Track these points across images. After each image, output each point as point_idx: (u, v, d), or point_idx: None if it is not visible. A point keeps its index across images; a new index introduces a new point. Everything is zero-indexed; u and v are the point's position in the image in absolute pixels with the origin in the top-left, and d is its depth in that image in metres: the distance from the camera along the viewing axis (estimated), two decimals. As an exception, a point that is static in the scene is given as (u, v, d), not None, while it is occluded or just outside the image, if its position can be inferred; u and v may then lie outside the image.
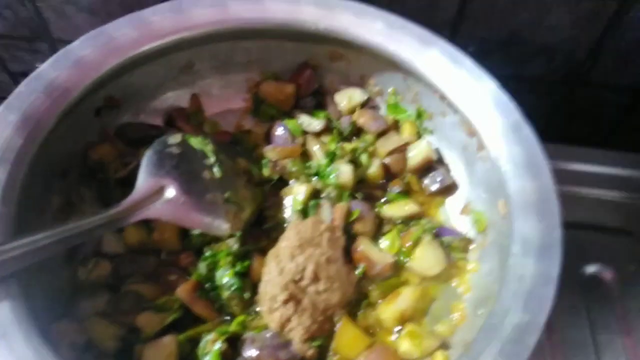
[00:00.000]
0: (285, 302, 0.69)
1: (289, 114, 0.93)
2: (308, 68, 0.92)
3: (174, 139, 0.77)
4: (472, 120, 0.76)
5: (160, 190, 0.70)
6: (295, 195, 0.81)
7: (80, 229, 0.62)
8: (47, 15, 1.05)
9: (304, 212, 0.81)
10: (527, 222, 0.62)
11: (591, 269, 0.92)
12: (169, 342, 0.64)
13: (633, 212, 0.99)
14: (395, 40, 0.80)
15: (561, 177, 1.01)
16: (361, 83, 0.92)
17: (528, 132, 0.70)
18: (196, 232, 0.77)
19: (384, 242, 0.81)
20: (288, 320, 0.69)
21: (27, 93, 0.69)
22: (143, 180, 0.70)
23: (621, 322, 0.86)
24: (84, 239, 0.63)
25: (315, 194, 0.82)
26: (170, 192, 0.70)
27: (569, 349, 0.83)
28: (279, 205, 0.83)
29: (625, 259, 0.93)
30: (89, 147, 0.81)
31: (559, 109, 1.16)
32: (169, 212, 0.70)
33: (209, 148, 0.79)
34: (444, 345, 0.72)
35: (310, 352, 0.67)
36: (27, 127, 0.67)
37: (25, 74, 0.72)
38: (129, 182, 0.79)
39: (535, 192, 0.64)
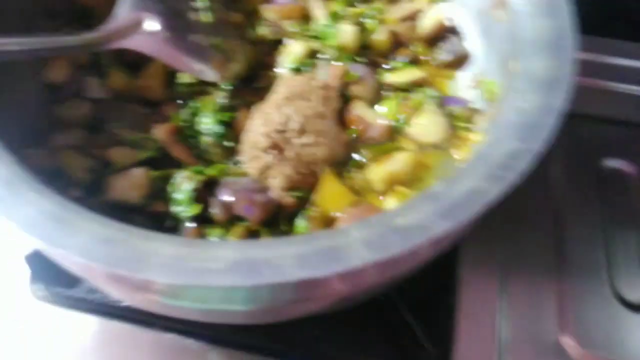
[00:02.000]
0: (267, 149, 0.65)
1: (294, -23, 0.86)
2: None
3: None
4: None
5: (139, 22, 0.65)
6: (290, 52, 0.76)
7: (51, 43, 0.58)
8: None
9: (298, 70, 0.75)
10: (535, 59, 0.55)
11: (612, 163, 0.84)
12: (138, 173, 0.61)
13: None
14: None
15: (590, 70, 0.93)
16: (373, -55, 0.84)
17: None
18: (182, 80, 0.73)
19: (382, 109, 0.75)
20: (268, 167, 0.65)
21: None
22: (122, 10, 0.65)
23: (637, 218, 0.79)
24: (53, 54, 0.59)
25: (313, 55, 0.76)
26: (150, 24, 0.65)
27: (579, 240, 0.77)
28: (273, 66, 0.78)
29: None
30: (79, -8, 0.77)
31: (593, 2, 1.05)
32: (148, 45, 0.65)
33: None
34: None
35: (288, 199, 0.63)
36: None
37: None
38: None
39: (551, 30, 0.56)
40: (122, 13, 0.65)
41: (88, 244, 0.41)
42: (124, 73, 0.73)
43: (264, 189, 0.64)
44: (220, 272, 0.39)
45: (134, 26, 0.64)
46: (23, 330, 0.69)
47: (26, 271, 0.72)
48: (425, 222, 0.42)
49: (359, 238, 0.41)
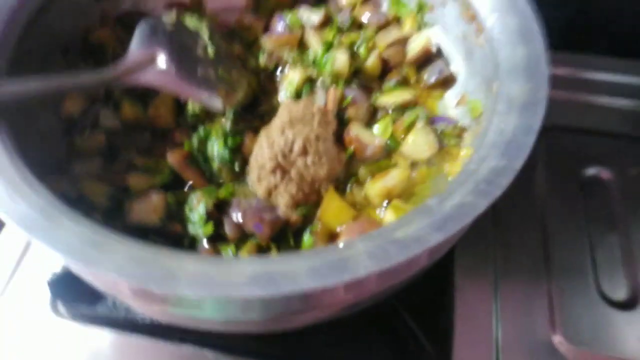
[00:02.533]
0: (273, 170, 0.70)
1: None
2: (309, -38, 0.91)
3: (169, 17, 0.78)
4: (470, 1, 0.74)
5: (152, 59, 0.71)
6: (289, 80, 0.82)
7: (71, 81, 0.64)
8: None
9: (298, 96, 0.81)
10: (514, 84, 0.61)
11: (591, 171, 0.90)
12: (156, 196, 0.66)
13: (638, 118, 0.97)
14: None
15: (569, 85, 1.00)
16: (363, -23, 0.91)
17: (522, 3, 0.68)
18: (191, 109, 0.78)
19: (376, 128, 0.80)
20: (275, 187, 0.70)
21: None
22: (135, 48, 0.71)
23: (617, 222, 0.85)
24: (73, 90, 0.64)
25: (310, 82, 0.82)
26: (162, 61, 0.71)
27: (564, 244, 0.83)
28: (274, 92, 0.83)
29: (629, 162, 0.91)
30: (89, 30, 0.83)
31: (570, 20, 1.12)
32: (160, 79, 0.71)
33: (204, 28, 0.79)
34: (430, 222, 0.72)
35: (294, 217, 0.69)
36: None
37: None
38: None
39: (525, 56, 0.63)
40: (136, 50, 0.71)
41: (123, 264, 0.46)
42: (135, 104, 0.78)
43: (271, 208, 0.69)
44: (243, 285, 0.44)
45: (147, 62, 0.70)
46: (42, 344, 0.73)
47: (47, 290, 0.76)
48: (422, 234, 0.48)
49: (363, 250, 0.47)
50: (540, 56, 0.62)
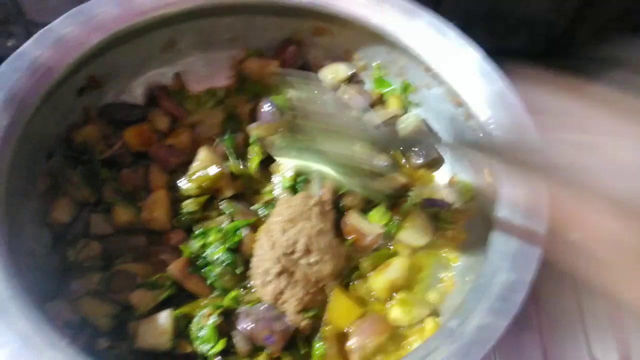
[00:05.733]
0: (278, 274, 0.70)
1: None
2: (292, 44, 0.92)
3: None
4: (457, 91, 0.77)
5: None
6: (283, 172, 0.81)
7: None
8: (21, -4, 1.02)
9: (293, 188, 0.81)
10: (514, 188, 0.63)
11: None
12: (164, 318, 0.65)
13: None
14: (380, 12, 0.80)
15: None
16: (346, 58, 0.92)
17: (512, 99, 0.71)
18: (186, 210, 0.77)
19: (373, 215, 0.81)
20: (281, 292, 0.70)
21: (10, 72, 0.67)
22: None
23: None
24: None
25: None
26: None
27: (555, 315, 0.86)
28: (264, 182, 0.83)
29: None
30: (73, 128, 0.80)
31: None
32: None
33: None
34: (435, 312, 0.73)
35: (304, 323, 0.68)
36: (12, 107, 0.65)
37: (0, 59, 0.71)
38: (113, 163, 0.79)
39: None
40: None
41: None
42: (127, 207, 0.76)
43: (280, 316, 0.68)
44: None
45: None
46: None
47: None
48: (450, 365, 0.49)
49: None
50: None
